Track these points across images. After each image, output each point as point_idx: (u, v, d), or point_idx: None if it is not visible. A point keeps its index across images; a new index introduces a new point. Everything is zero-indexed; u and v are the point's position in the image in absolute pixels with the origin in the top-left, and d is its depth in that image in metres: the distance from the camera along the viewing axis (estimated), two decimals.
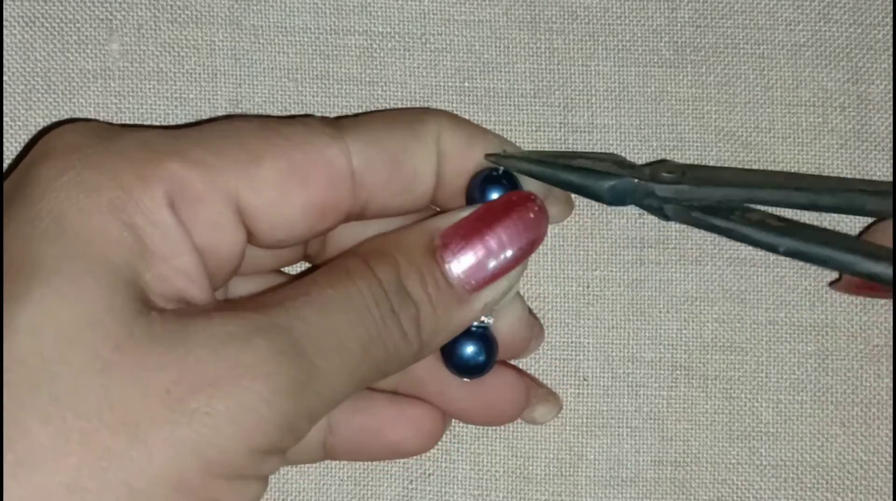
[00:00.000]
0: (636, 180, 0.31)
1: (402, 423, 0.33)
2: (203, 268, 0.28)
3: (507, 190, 0.31)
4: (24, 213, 0.27)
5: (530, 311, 0.34)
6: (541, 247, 0.34)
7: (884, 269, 0.30)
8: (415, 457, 0.36)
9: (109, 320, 0.25)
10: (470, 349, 0.32)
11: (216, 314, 0.26)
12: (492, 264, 0.30)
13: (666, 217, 0.32)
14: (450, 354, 0.32)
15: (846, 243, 0.31)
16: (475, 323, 0.32)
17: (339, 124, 0.30)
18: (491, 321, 0.32)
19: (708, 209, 0.31)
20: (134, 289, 0.26)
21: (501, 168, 0.31)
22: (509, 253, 0.30)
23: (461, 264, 0.29)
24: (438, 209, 0.33)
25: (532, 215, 0.30)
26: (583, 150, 0.35)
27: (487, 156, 0.31)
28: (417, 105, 0.35)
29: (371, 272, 0.28)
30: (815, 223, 0.34)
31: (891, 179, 0.35)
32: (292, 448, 0.27)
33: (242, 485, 0.26)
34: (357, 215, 0.30)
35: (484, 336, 0.32)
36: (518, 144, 0.34)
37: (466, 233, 0.30)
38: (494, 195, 0.31)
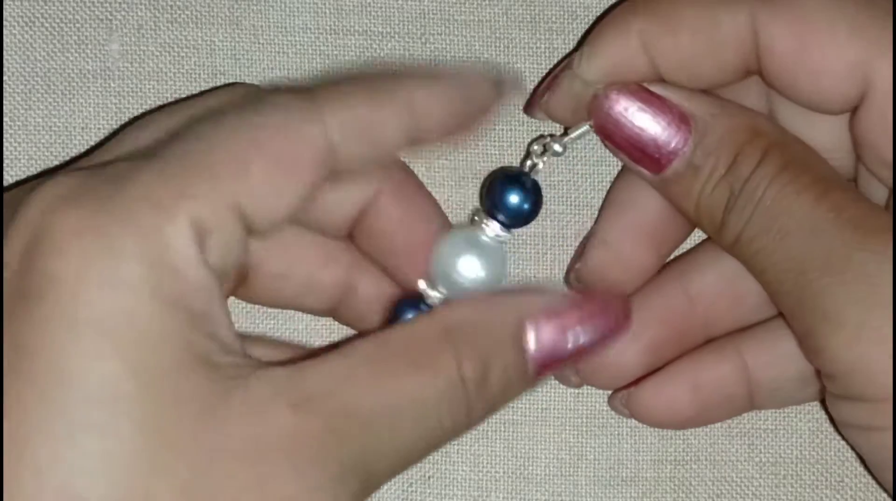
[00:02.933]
0: None
1: None
2: (226, 310, 0.27)
3: (527, 196, 0.31)
4: (46, 311, 0.24)
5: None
6: (541, 246, 0.35)
7: None
8: None
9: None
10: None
11: (275, 376, 0.26)
12: (567, 353, 0.29)
13: None
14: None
15: None
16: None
17: (313, 97, 0.28)
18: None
19: None
20: (194, 371, 0.25)
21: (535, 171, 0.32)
22: (583, 351, 0.29)
23: (541, 350, 0.28)
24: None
25: (615, 323, 0.30)
26: (585, 160, 0.35)
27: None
28: None
29: (457, 368, 0.27)
30: None
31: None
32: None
33: None
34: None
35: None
36: (518, 145, 0.34)
37: (557, 326, 0.28)
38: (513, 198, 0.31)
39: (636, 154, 0.30)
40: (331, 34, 0.35)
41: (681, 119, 0.30)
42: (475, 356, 0.27)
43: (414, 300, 0.31)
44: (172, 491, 0.24)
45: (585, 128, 0.31)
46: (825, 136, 0.31)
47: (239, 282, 0.31)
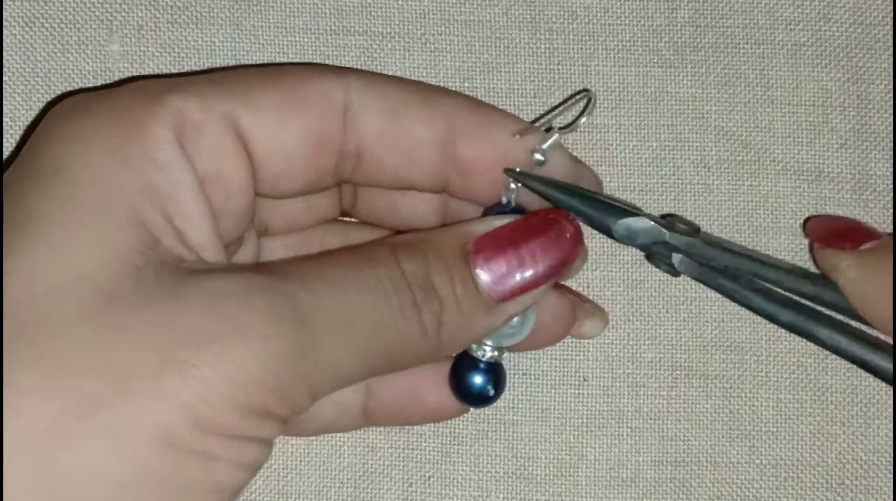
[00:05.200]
0: (651, 223, 0.31)
1: (442, 386, 0.33)
2: (208, 209, 0.28)
3: None
4: (23, 169, 0.27)
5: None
6: None
7: (883, 361, 0.30)
8: (414, 459, 0.36)
9: (102, 274, 0.25)
10: (479, 380, 0.32)
11: (218, 273, 0.26)
12: (522, 277, 0.29)
13: (672, 269, 0.32)
14: (459, 383, 0.32)
15: (848, 329, 0.31)
16: (485, 358, 0.32)
17: (348, 70, 0.30)
18: (501, 355, 0.32)
19: (715, 269, 0.31)
20: (134, 237, 0.26)
21: (514, 204, 0.31)
22: (540, 269, 0.29)
23: (491, 272, 0.29)
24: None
25: (568, 235, 0.30)
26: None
27: (506, 171, 0.31)
28: None
29: (396, 262, 0.28)
30: None
31: (891, 178, 0.35)
32: (298, 415, 0.27)
33: (239, 445, 0.25)
34: (350, 169, 0.30)
35: (494, 369, 0.32)
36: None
37: (501, 242, 0.29)
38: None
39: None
40: (331, 35, 0.35)
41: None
42: (415, 255, 0.28)
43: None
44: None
45: (556, 136, 0.31)
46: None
47: (244, 221, 0.31)
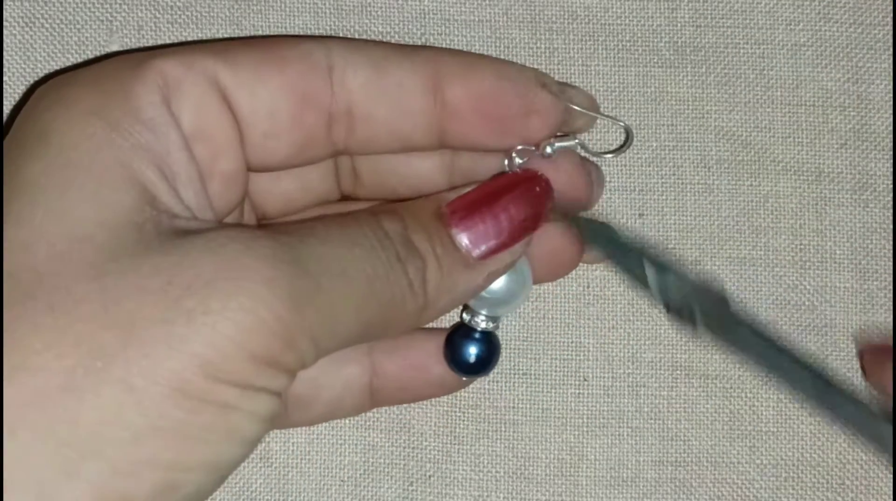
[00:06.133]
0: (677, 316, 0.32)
1: None
2: (196, 169, 0.28)
3: None
4: (11, 140, 0.27)
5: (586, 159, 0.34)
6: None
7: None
8: (415, 458, 0.36)
9: (101, 233, 0.25)
10: (473, 350, 0.33)
11: (217, 227, 0.26)
12: (497, 233, 0.30)
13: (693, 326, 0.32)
14: (453, 353, 0.33)
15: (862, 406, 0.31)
16: (480, 327, 0.32)
17: (329, 37, 0.31)
18: (496, 325, 0.33)
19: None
20: (131, 195, 0.26)
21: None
22: (515, 224, 0.30)
23: (467, 231, 0.30)
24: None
25: (538, 190, 0.31)
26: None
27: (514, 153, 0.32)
28: None
29: (377, 222, 0.28)
30: None
31: (891, 179, 0.35)
32: (304, 369, 0.27)
33: (252, 395, 0.25)
34: (343, 132, 0.30)
35: (488, 339, 0.33)
36: None
37: (473, 203, 0.30)
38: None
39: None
40: (331, 35, 0.35)
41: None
42: (394, 216, 0.29)
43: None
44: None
45: (574, 142, 0.32)
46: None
47: (238, 189, 0.31)
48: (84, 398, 0.24)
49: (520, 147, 0.31)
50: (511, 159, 0.32)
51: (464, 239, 0.30)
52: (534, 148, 0.31)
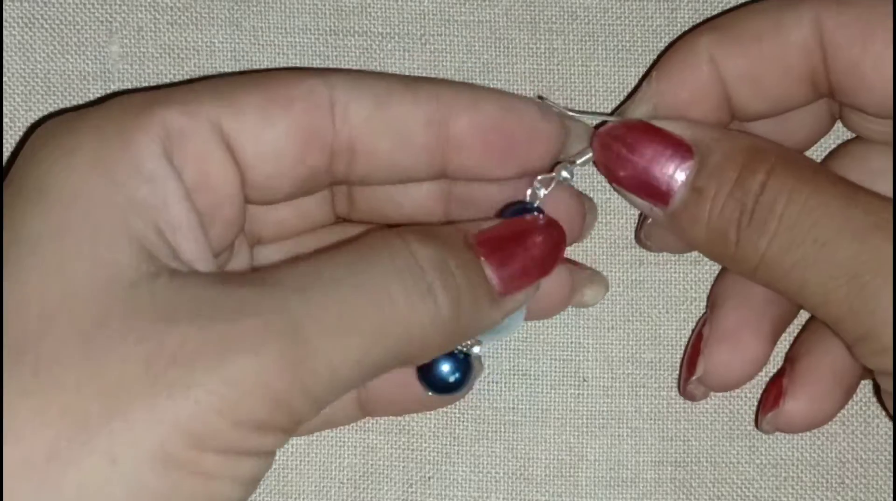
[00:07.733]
0: None
1: None
2: (197, 219, 0.28)
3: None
4: (9, 191, 0.27)
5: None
6: None
7: None
8: (414, 459, 0.36)
9: (93, 294, 0.25)
10: (446, 368, 0.32)
11: (210, 288, 0.26)
12: (523, 271, 0.30)
13: None
14: (426, 367, 0.32)
15: None
16: (458, 347, 0.32)
17: (330, 70, 0.30)
18: (476, 349, 0.32)
19: None
20: (126, 252, 0.26)
21: (537, 202, 0.32)
22: (538, 265, 0.30)
23: (497, 265, 0.29)
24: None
25: (556, 234, 0.30)
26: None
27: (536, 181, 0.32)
28: None
29: (405, 245, 0.28)
30: None
31: (891, 179, 0.35)
32: (304, 423, 0.27)
33: (236, 460, 0.25)
34: (345, 165, 0.30)
35: (464, 360, 0.32)
36: None
37: (503, 239, 0.30)
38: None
39: (641, 189, 0.30)
40: (330, 35, 0.35)
41: (682, 148, 0.30)
42: (427, 240, 0.28)
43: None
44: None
45: (590, 154, 0.32)
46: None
47: (235, 228, 0.31)
48: (67, 470, 0.24)
49: (540, 177, 0.31)
50: (535, 190, 0.32)
51: (491, 273, 0.29)
52: (553, 174, 0.32)
